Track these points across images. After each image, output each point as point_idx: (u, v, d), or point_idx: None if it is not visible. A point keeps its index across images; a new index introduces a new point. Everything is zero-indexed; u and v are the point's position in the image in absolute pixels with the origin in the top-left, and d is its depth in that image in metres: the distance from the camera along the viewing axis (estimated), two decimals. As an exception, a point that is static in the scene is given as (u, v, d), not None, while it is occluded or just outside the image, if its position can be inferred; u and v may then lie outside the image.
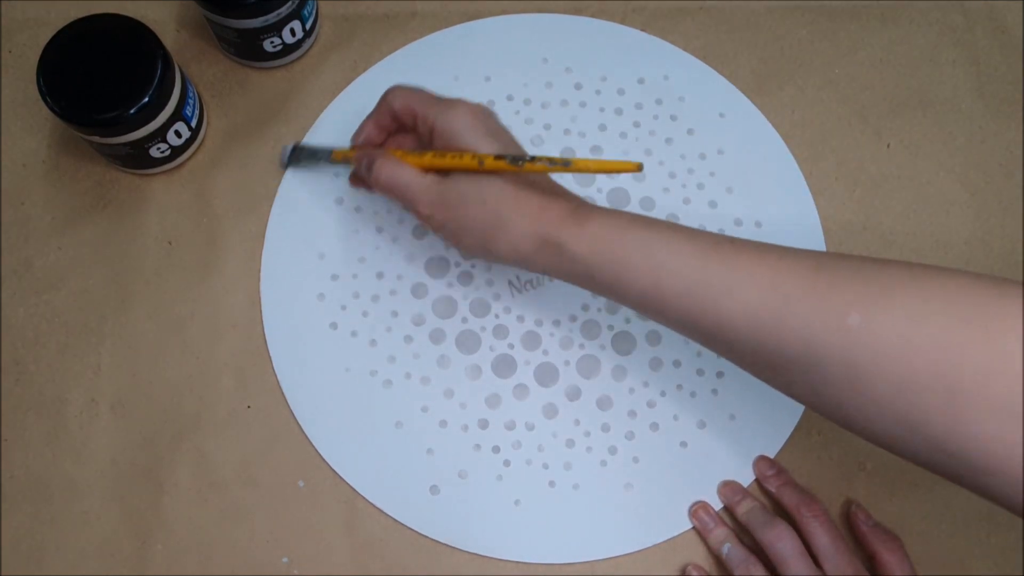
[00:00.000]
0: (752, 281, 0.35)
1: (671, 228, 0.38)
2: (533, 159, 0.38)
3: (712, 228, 0.50)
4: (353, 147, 0.45)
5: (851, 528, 0.46)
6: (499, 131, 0.41)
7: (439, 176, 0.41)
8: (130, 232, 0.49)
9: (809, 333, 0.33)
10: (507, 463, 0.47)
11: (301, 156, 0.49)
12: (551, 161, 0.38)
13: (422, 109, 0.42)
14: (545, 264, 0.40)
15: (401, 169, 0.41)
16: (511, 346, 0.48)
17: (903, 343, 0.31)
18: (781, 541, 0.43)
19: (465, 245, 0.41)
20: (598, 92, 0.52)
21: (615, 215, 0.39)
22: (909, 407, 0.31)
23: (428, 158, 0.41)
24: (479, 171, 0.39)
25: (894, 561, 0.44)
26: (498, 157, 0.39)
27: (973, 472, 0.31)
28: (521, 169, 0.39)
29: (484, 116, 0.41)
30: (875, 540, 0.44)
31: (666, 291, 0.37)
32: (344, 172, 0.50)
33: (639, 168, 0.37)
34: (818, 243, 0.50)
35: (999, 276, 0.32)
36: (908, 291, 0.32)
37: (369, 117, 0.44)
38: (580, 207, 0.40)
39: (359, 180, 0.47)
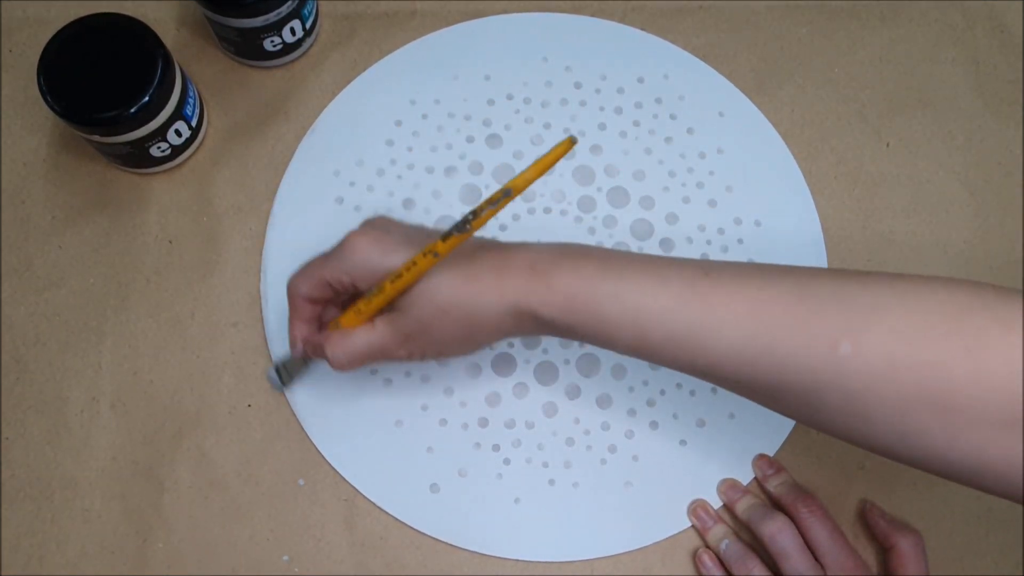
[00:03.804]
0: (734, 320, 0.34)
1: (643, 269, 0.36)
2: (475, 212, 0.35)
3: (712, 227, 0.50)
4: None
5: (867, 523, 0.46)
6: (408, 231, 0.39)
7: (388, 316, 0.38)
8: (130, 231, 0.49)
9: (800, 365, 0.33)
10: (507, 461, 0.47)
11: (289, 370, 0.46)
12: (492, 202, 0.35)
13: (328, 274, 0.39)
14: (530, 331, 0.38)
15: (350, 338, 0.39)
16: (511, 344, 0.48)
17: (893, 365, 0.31)
18: (782, 535, 0.43)
19: (455, 353, 0.40)
20: (598, 91, 0.52)
21: (580, 263, 0.37)
22: (906, 425, 0.32)
23: (375, 301, 0.38)
24: (436, 262, 0.36)
25: (913, 556, 0.44)
26: (445, 237, 0.35)
27: (973, 476, 0.32)
28: (472, 230, 0.35)
29: (381, 230, 0.38)
30: (895, 533, 0.44)
31: (652, 339, 0.36)
32: (344, 170, 0.50)
33: (573, 143, 0.33)
34: (817, 242, 0.50)
35: (976, 281, 0.32)
36: (892, 311, 0.32)
37: (291, 321, 0.42)
38: (537, 260, 0.37)
39: None
